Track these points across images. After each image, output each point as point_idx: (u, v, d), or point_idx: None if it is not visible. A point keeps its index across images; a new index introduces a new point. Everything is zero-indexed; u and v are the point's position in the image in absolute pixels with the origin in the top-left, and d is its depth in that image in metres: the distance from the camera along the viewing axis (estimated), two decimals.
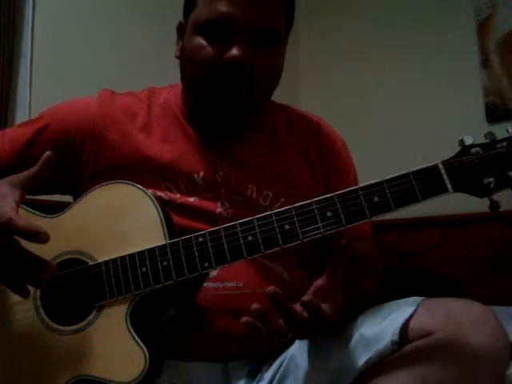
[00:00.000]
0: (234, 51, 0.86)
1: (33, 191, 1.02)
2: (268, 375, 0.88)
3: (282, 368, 0.87)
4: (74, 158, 0.95)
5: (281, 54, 0.95)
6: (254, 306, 0.72)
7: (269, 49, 0.91)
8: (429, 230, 2.45)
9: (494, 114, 2.44)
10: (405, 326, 0.78)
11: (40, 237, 0.70)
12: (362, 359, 0.80)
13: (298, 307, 0.74)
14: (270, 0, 0.90)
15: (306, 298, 0.74)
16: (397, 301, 0.84)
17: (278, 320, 0.74)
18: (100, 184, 0.86)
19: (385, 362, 0.79)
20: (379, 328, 0.80)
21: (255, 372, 0.90)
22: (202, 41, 0.90)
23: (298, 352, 0.87)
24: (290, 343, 0.90)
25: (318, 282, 0.77)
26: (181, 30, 0.97)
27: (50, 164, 0.78)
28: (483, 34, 2.54)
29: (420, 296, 0.82)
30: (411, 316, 0.78)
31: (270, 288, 0.72)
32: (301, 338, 0.82)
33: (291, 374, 0.86)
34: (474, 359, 0.72)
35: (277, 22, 0.91)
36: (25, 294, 0.76)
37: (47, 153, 0.78)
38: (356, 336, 0.82)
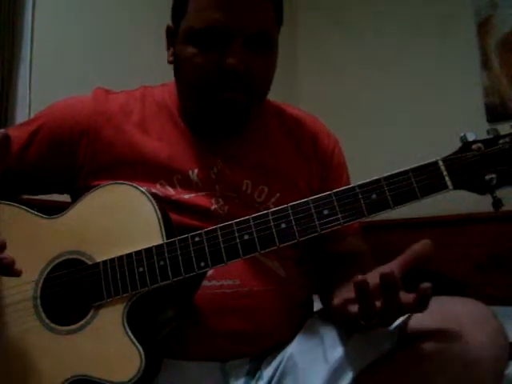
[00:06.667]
0: (232, 59, 0.86)
1: (31, 191, 1.03)
2: (267, 374, 0.88)
3: (280, 367, 0.87)
4: (69, 157, 0.94)
5: (274, 53, 0.95)
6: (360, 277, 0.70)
7: (263, 51, 0.91)
8: (429, 230, 2.45)
9: (494, 113, 2.45)
10: (404, 325, 0.78)
11: None
12: (360, 359, 0.80)
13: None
14: (260, 3, 0.89)
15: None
16: None
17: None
18: (99, 185, 0.86)
19: (384, 361, 0.79)
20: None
21: (254, 371, 0.90)
22: (195, 49, 0.89)
23: (296, 351, 0.87)
24: (288, 342, 0.90)
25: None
26: (170, 35, 0.97)
27: (4, 142, 0.79)
28: (483, 33, 2.54)
29: None
30: (410, 315, 0.78)
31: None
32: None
33: (290, 373, 0.86)
34: (474, 359, 0.72)
35: (268, 24, 0.91)
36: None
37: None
38: (355, 335, 0.82)
